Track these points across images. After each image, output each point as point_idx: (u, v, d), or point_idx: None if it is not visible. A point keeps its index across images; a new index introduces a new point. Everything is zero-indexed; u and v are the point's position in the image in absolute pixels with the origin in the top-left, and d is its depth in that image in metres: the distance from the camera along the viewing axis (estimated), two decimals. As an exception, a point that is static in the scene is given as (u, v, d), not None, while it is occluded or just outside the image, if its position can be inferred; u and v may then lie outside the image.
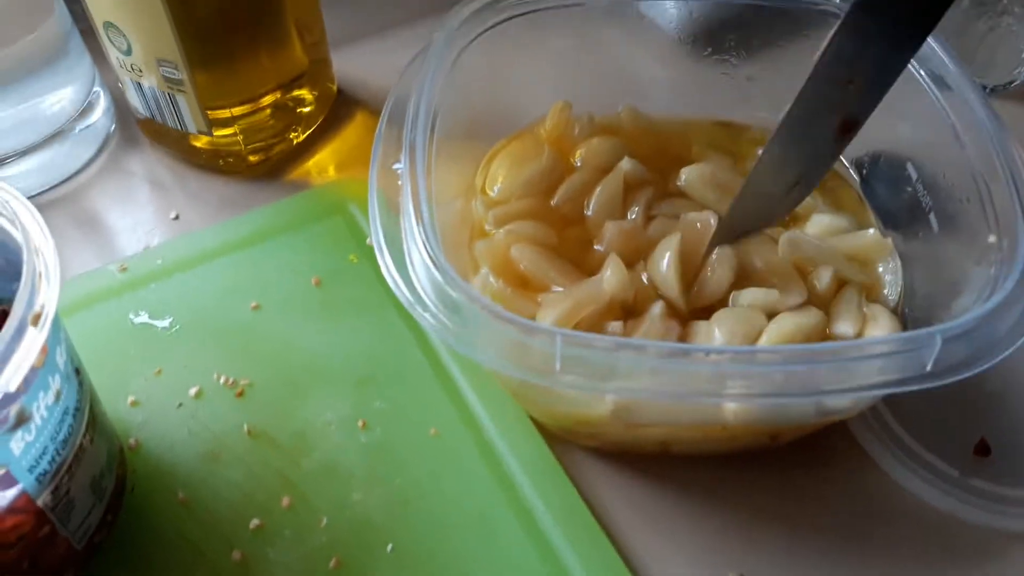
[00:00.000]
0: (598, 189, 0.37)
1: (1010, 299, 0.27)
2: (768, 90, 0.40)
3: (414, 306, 0.28)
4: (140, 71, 0.42)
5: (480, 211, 0.37)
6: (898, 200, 0.37)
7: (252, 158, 0.46)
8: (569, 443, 0.35)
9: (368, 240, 0.42)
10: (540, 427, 0.35)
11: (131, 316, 0.39)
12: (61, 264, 0.42)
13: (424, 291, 0.28)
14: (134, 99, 0.45)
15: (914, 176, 0.36)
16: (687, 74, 0.42)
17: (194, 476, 0.34)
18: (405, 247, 0.29)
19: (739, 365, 0.26)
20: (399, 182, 0.31)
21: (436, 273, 0.27)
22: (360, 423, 0.35)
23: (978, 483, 0.33)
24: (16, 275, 0.28)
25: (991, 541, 0.32)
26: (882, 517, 0.33)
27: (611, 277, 0.33)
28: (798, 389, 0.26)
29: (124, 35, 0.40)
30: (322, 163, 0.47)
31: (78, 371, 0.29)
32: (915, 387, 0.25)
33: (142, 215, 0.44)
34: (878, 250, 0.35)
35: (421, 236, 0.28)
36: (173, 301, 0.40)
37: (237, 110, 0.44)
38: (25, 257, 0.25)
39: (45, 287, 0.25)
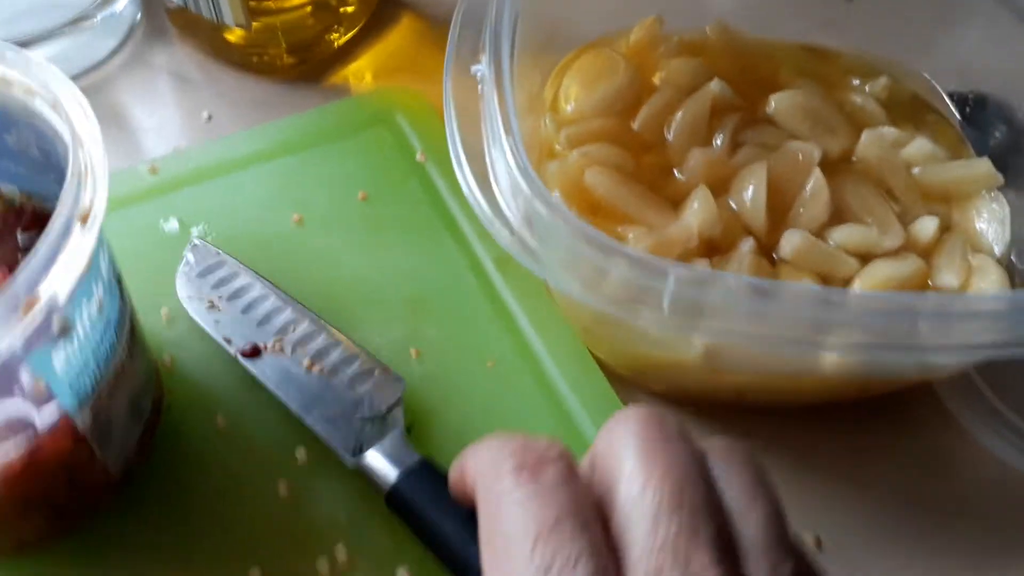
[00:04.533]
0: (681, 111, 0.34)
1: None
2: (866, 16, 0.37)
3: (496, 225, 0.25)
4: (174, -47, 0.38)
5: (551, 129, 0.34)
6: (1005, 143, 0.34)
7: (289, 58, 0.42)
8: (634, 385, 0.33)
9: (418, 156, 0.39)
10: (603, 365, 0.33)
11: (161, 222, 0.36)
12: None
13: (511, 211, 0.25)
14: (164, -15, 0.41)
15: (1026, 117, 0.33)
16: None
17: (235, 401, 0.31)
18: (488, 160, 0.26)
19: (868, 316, 0.23)
20: (480, 88, 0.28)
21: (527, 189, 0.24)
22: (413, 352, 0.33)
23: (1071, 450, 0.31)
24: (53, 168, 0.25)
25: (1083, 511, 0.30)
26: (966, 484, 0.31)
27: (699, 211, 0.30)
28: (928, 342, 0.23)
29: (159, -91, 0.36)
30: (363, 69, 0.43)
31: (119, 280, 0.26)
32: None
33: (171, 114, 0.41)
34: (988, 182, 0.32)
35: (511, 147, 0.25)
36: (207, 208, 0.36)
37: (278, 2, 0.40)
38: (71, 147, 0.22)
39: (92, 181, 0.22)
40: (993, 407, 0.32)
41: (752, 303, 0.23)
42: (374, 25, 0.45)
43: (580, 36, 0.37)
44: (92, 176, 0.22)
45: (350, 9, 0.43)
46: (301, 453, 0.30)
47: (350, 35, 0.44)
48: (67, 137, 0.22)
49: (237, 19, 0.40)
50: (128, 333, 0.27)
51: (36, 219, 0.28)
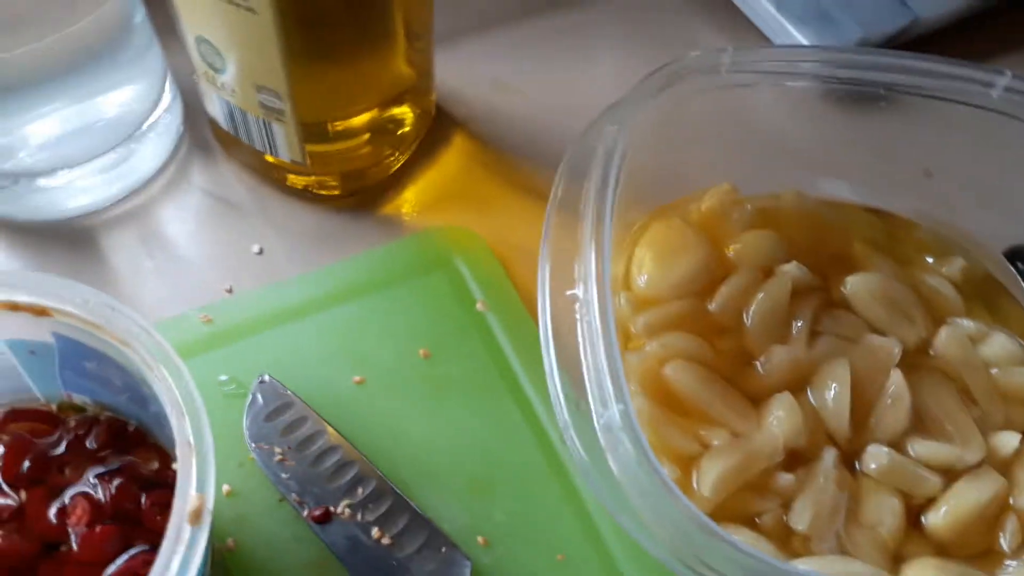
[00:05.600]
0: (760, 297, 0.33)
1: None
2: (948, 190, 0.36)
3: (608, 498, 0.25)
4: (233, 91, 0.36)
5: (626, 310, 0.33)
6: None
7: (343, 186, 0.41)
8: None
9: (478, 305, 0.38)
10: (676, 557, 0.32)
11: (217, 378, 0.35)
12: (133, 299, 0.38)
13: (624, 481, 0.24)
14: (216, 110, 0.39)
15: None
16: (849, 151, 0.38)
17: (302, 585, 0.31)
18: (603, 441, 0.25)
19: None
20: (578, 317, 0.27)
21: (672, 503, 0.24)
22: (480, 539, 0.32)
23: None
24: (129, 389, 0.24)
25: None
26: None
27: (784, 422, 0.30)
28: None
29: (220, 54, 0.35)
30: (417, 195, 0.42)
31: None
32: None
33: (220, 245, 0.40)
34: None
35: (631, 434, 0.25)
36: (264, 363, 0.35)
37: (336, 126, 0.39)
38: (176, 429, 0.21)
39: (200, 466, 0.21)
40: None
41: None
42: (427, 144, 0.44)
43: (651, 201, 0.36)
44: (199, 458, 0.21)
45: (407, 130, 0.42)
46: (373, 659, 0.29)
47: (405, 157, 0.43)
48: (169, 410, 0.21)
49: (293, 156, 0.38)
50: (209, 563, 0.26)
51: (109, 429, 0.27)
